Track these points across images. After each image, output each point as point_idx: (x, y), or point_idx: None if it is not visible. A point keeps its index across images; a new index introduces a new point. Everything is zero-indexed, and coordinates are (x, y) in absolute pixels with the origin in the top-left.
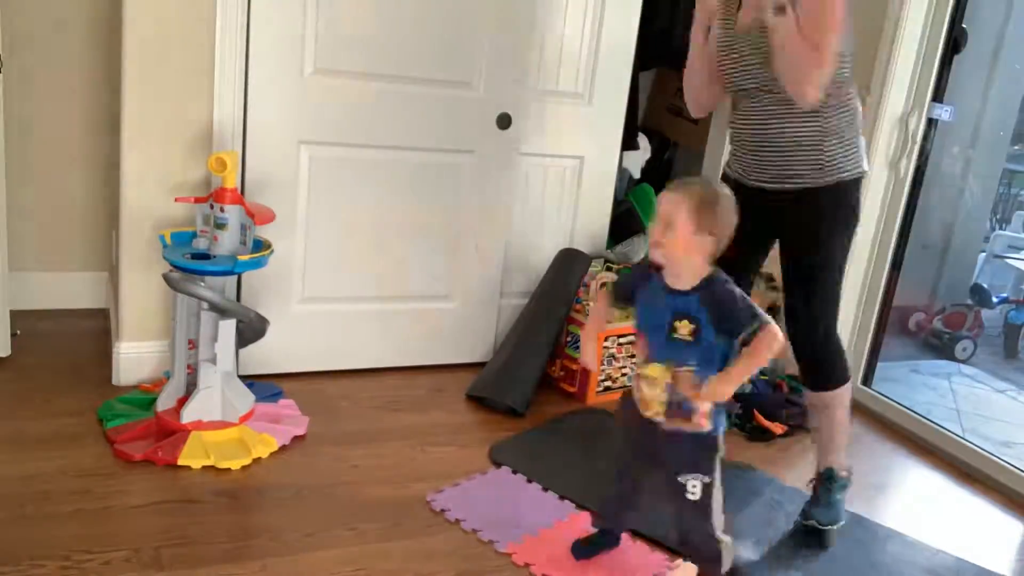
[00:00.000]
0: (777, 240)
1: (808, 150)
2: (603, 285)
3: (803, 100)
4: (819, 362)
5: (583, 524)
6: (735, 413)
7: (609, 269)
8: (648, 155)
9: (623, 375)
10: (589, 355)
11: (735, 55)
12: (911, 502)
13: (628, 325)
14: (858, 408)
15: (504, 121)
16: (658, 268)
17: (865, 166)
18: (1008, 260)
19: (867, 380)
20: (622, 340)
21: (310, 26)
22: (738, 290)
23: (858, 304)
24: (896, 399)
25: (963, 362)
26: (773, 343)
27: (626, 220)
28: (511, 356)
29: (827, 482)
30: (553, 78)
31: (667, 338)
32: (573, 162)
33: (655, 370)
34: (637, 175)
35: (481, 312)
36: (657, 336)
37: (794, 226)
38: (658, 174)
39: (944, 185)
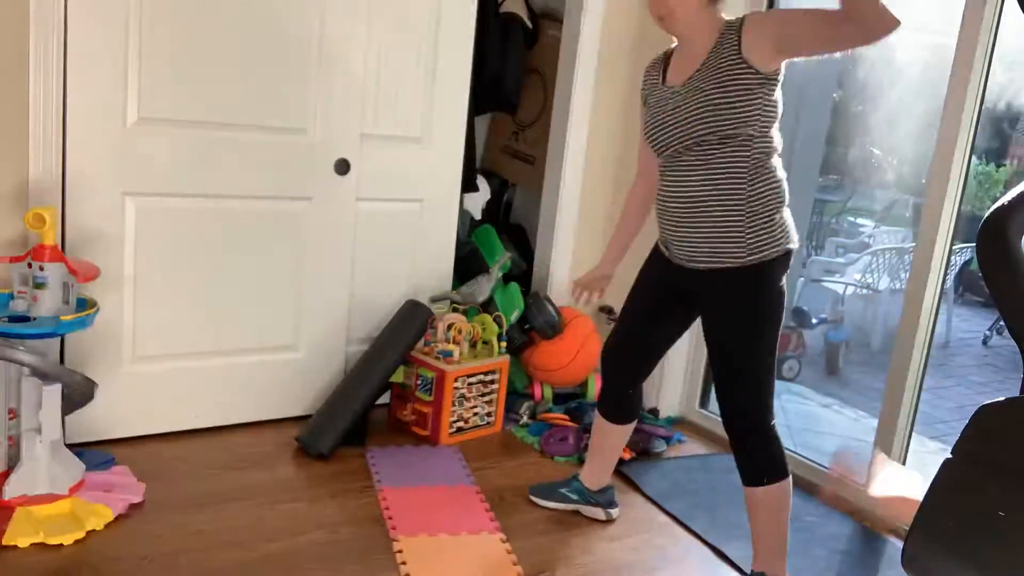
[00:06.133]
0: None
1: (731, 226)
2: None
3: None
4: (745, 453)
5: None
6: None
7: (455, 310)
8: (488, 196)
9: (474, 414)
10: None
11: (663, 113)
12: None
13: (477, 364)
14: (697, 429)
15: (342, 167)
16: None
17: (793, 242)
18: (824, 283)
19: (704, 402)
20: (471, 380)
21: (132, 74)
22: None
23: (691, 331)
24: None
25: (790, 380)
26: None
27: (470, 260)
28: (328, 403)
29: None
30: (390, 122)
31: None
32: (414, 205)
33: None
34: (478, 216)
35: (328, 361)
36: None
37: (713, 310)
38: (499, 214)
39: None
